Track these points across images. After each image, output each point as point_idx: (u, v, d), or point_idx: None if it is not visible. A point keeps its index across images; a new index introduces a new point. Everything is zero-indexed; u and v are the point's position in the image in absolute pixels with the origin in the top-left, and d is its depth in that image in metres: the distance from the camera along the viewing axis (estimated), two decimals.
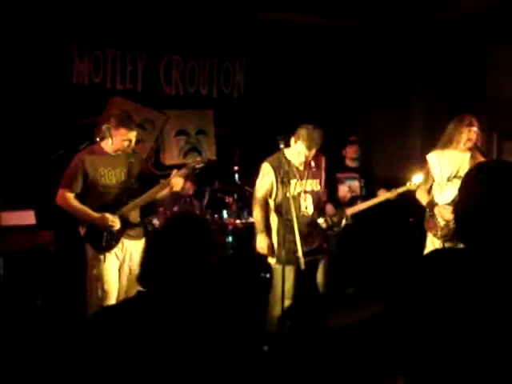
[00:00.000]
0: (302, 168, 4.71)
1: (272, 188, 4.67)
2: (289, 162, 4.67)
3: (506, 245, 1.70)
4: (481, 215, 1.73)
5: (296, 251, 4.49)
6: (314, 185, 4.78)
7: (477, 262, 1.69)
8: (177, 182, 4.51)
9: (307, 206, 4.73)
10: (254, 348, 2.12)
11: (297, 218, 4.53)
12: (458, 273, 1.68)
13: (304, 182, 4.71)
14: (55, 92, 6.27)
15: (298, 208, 4.67)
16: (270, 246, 4.71)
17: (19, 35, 6.03)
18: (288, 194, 4.55)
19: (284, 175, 4.59)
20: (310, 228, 4.74)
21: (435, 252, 1.87)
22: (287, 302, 4.57)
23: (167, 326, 1.97)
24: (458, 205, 1.84)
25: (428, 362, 1.66)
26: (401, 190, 5.85)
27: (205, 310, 2.07)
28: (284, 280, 4.48)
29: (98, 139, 4.55)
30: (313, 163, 4.75)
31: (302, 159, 4.64)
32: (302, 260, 4.49)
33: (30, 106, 6.15)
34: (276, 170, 4.65)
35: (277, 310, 4.59)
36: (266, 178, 4.70)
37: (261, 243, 4.71)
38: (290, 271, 4.57)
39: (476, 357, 1.60)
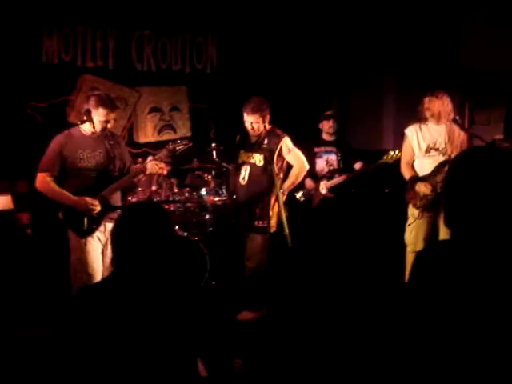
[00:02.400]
0: (253, 141, 5.03)
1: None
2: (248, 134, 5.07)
3: (490, 233, 1.71)
4: (464, 203, 1.74)
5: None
6: (258, 159, 4.97)
7: (467, 255, 1.70)
8: (152, 167, 4.51)
9: (244, 177, 5.01)
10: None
11: (235, 187, 5.07)
12: (452, 270, 1.70)
13: (250, 154, 5.02)
14: (24, 71, 6.09)
15: (238, 177, 5.07)
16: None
17: None
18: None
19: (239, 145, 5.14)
20: (245, 199, 4.99)
21: (429, 249, 1.88)
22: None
23: (139, 302, 2.31)
24: (444, 191, 1.86)
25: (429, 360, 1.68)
26: (378, 163, 5.92)
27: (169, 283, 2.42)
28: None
29: (78, 122, 4.47)
30: (266, 140, 4.92)
31: (249, 127, 4.96)
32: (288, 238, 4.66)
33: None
34: (239, 140, 5.18)
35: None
36: None
37: None
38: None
39: (478, 355, 1.63)
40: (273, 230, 5.02)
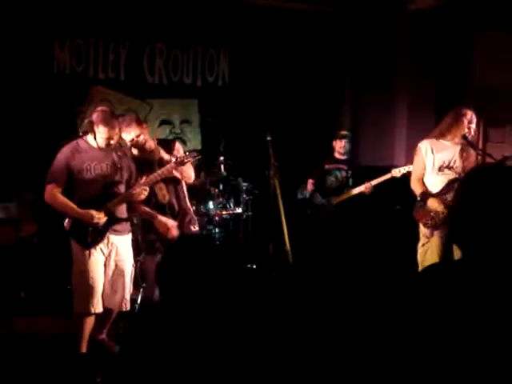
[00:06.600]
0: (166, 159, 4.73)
1: None
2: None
3: (497, 251, 1.67)
4: (471, 220, 1.70)
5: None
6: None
7: (473, 276, 1.66)
8: (138, 192, 4.44)
9: (164, 195, 4.83)
10: None
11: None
12: (457, 290, 1.65)
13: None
14: (36, 81, 6.15)
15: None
16: None
17: None
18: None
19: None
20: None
21: (431, 269, 1.83)
22: None
23: None
24: (452, 208, 1.82)
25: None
26: (385, 177, 5.87)
27: None
28: None
29: (80, 133, 4.47)
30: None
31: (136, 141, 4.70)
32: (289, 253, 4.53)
33: (11, 96, 6.02)
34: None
35: None
36: None
37: None
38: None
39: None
40: None
